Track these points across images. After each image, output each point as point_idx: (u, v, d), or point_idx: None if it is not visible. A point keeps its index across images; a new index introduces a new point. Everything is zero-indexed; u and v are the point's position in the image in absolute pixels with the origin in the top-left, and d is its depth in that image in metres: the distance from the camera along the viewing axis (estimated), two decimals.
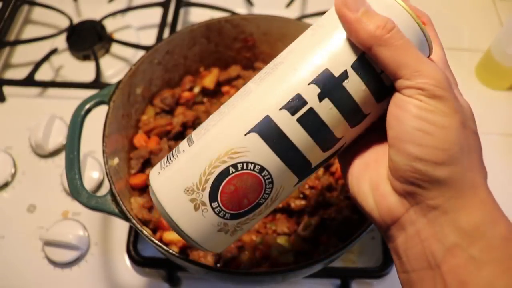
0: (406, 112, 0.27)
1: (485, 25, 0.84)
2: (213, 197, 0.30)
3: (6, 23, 0.78)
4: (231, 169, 0.29)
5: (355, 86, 0.29)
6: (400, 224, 0.30)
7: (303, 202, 0.53)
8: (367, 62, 0.29)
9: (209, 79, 0.63)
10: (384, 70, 0.28)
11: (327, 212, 0.53)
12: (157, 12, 0.79)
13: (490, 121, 0.73)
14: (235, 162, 0.29)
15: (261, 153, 0.29)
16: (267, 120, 0.29)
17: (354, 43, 0.29)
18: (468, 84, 0.77)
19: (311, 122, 0.29)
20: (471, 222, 0.27)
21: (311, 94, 0.29)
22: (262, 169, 0.30)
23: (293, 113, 0.29)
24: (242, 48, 0.64)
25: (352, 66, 0.29)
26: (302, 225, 0.52)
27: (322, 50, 0.29)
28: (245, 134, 0.29)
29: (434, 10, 0.86)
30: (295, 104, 0.29)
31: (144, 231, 0.44)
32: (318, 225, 0.52)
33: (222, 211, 0.30)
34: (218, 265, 0.50)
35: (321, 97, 0.29)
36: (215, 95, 0.64)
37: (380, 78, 0.29)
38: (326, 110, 0.29)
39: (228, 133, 0.30)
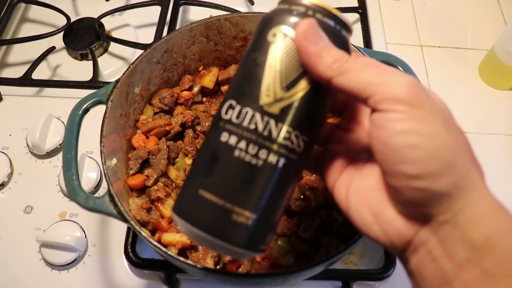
0: (388, 131, 0.26)
1: (489, 24, 0.84)
2: None
3: (2, 21, 0.78)
4: None
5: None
6: (413, 246, 0.28)
7: (303, 203, 0.52)
8: None
9: (209, 79, 0.62)
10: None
11: (328, 213, 0.52)
12: (156, 10, 0.78)
13: (493, 120, 0.72)
14: None
15: None
16: None
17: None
18: (471, 83, 0.76)
19: None
20: (482, 234, 0.25)
21: None
22: None
23: None
24: (242, 47, 0.63)
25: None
26: (302, 226, 0.51)
27: None
28: None
29: (438, 8, 0.86)
30: None
31: (143, 233, 0.44)
32: (319, 226, 0.51)
33: None
34: (218, 267, 0.49)
35: None
36: (215, 94, 0.64)
37: None
38: None
39: None
